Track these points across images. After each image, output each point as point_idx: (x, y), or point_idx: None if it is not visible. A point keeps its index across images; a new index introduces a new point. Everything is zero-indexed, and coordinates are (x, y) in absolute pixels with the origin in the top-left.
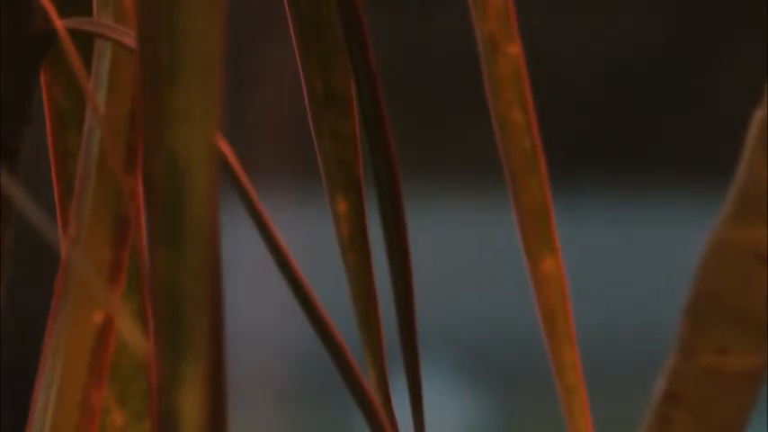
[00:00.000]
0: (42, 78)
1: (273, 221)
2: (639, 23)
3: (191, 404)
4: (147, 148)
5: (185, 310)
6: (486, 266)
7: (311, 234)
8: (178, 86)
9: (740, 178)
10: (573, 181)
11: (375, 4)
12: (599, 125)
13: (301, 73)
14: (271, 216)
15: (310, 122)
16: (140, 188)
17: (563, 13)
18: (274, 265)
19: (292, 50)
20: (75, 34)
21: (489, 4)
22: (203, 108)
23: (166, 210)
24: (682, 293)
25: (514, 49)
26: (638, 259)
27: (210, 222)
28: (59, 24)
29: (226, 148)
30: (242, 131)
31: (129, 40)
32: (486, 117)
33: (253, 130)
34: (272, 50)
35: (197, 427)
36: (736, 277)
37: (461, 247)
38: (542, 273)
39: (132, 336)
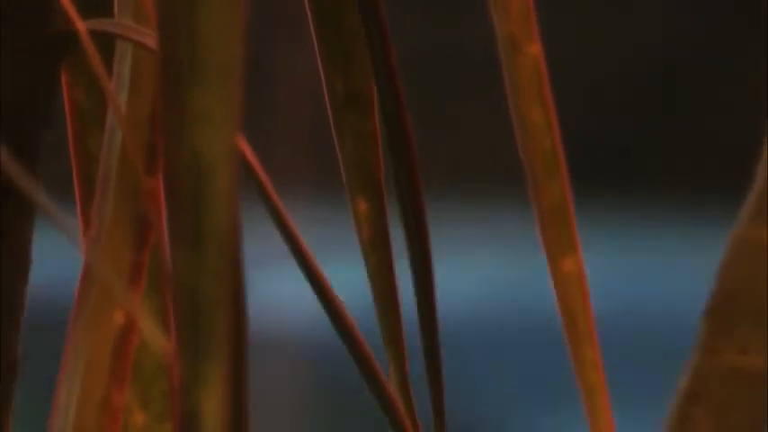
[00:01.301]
0: (63, 80)
1: (294, 222)
2: (668, 23)
3: (212, 405)
4: (167, 148)
5: (206, 311)
6: (507, 267)
7: (332, 235)
8: (199, 87)
9: (760, 178)
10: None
11: (396, 4)
12: (619, 127)
13: (322, 73)
14: (292, 217)
15: (331, 123)
16: (161, 189)
17: (585, 14)
18: (295, 265)
19: (311, 51)
20: (96, 35)
21: (510, 5)
22: (224, 109)
23: (187, 210)
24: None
25: (535, 49)
26: (661, 259)
27: (231, 223)
28: (80, 26)
29: (246, 148)
30: (261, 132)
31: (150, 41)
32: (507, 117)
33: (272, 131)
34: (291, 51)
35: (219, 428)
36: (757, 277)
37: (482, 248)
38: (563, 272)
39: (154, 337)
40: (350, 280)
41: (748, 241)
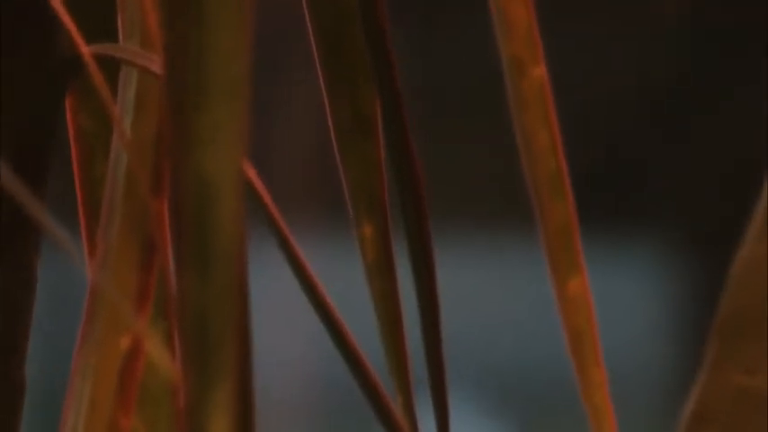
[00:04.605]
0: (68, 104)
1: (299, 246)
2: (667, 50)
3: (219, 428)
4: (173, 172)
5: (213, 334)
6: (511, 293)
7: (337, 259)
8: (204, 111)
9: (765, 197)
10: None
11: (401, 26)
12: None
13: (326, 98)
14: (297, 241)
15: (335, 147)
16: (166, 213)
17: (589, 38)
18: (300, 289)
19: (313, 77)
20: (102, 60)
21: (514, 27)
22: (229, 132)
23: (193, 233)
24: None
25: (540, 71)
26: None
27: (237, 245)
28: (86, 50)
29: (251, 171)
30: (266, 155)
31: (155, 66)
32: (512, 139)
33: (277, 154)
34: (294, 76)
35: None
36: (763, 296)
37: (486, 274)
38: (568, 294)
39: (160, 360)
40: (354, 304)
41: (755, 261)
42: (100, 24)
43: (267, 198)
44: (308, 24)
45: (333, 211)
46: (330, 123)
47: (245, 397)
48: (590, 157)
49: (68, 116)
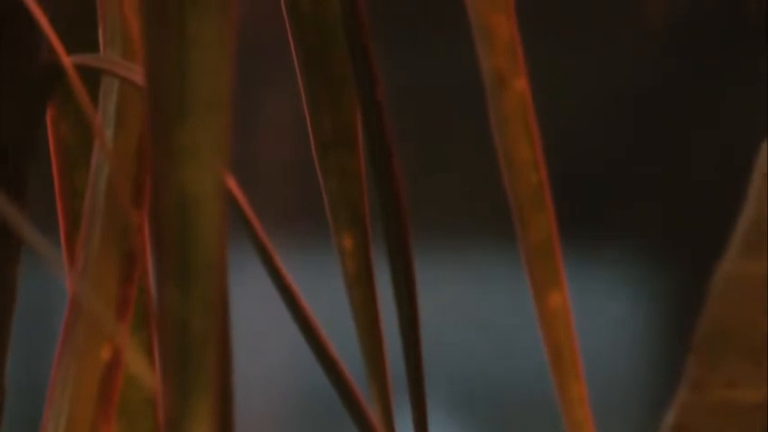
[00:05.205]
0: (49, 114)
1: (280, 258)
2: (651, 58)
3: None
4: (155, 184)
5: (193, 346)
6: (489, 305)
7: (318, 270)
8: (186, 123)
9: (748, 210)
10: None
11: (383, 38)
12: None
13: (307, 110)
14: (278, 253)
15: (315, 160)
16: (147, 224)
17: (571, 49)
18: (280, 300)
19: (295, 89)
20: (83, 70)
21: (496, 39)
22: (211, 144)
23: (174, 245)
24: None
25: (521, 83)
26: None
27: (218, 257)
28: (67, 61)
29: (233, 184)
30: (247, 168)
31: (137, 76)
32: (492, 152)
33: (258, 166)
34: (276, 89)
35: None
36: (744, 310)
37: (466, 286)
38: (549, 308)
39: (140, 371)
40: (334, 315)
41: (735, 275)
42: (81, 34)
43: (248, 210)
44: (290, 37)
45: (313, 222)
46: (311, 135)
47: (226, 408)
48: (571, 169)
49: (49, 126)
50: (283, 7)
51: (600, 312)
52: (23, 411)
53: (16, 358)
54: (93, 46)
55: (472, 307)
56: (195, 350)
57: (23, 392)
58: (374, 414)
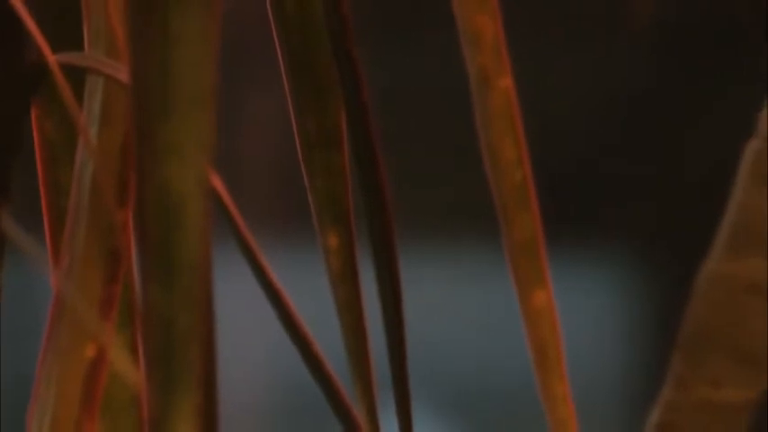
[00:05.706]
0: (33, 113)
1: (265, 256)
2: (640, 60)
3: None
4: (139, 182)
5: (178, 344)
6: (474, 303)
7: (302, 268)
8: (170, 120)
9: (733, 209)
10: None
11: (367, 38)
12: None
13: (292, 108)
14: (262, 250)
15: (301, 159)
16: (132, 221)
17: (557, 49)
18: (265, 298)
19: (280, 87)
20: (67, 69)
21: (481, 38)
22: (195, 142)
23: (159, 243)
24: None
25: (506, 83)
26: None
27: (202, 255)
28: (51, 59)
29: (217, 181)
30: (231, 165)
31: (121, 74)
32: (477, 151)
33: (242, 164)
34: (261, 87)
35: None
36: (728, 309)
37: (451, 285)
38: (533, 306)
39: (125, 369)
40: (319, 313)
41: (719, 274)
42: (66, 33)
43: (233, 208)
44: (275, 37)
45: (298, 220)
46: (296, 134)
47: (210, 406)
48: (555, 168)
49: (34, 124)
50: (269, 8)
51: (585, 311)
52: (8, 409)
53: (0, 356)
54: (78, 44)
55: (457, 305)
56: (179, 348)
57: (7, 390)
58: (359, 412)
